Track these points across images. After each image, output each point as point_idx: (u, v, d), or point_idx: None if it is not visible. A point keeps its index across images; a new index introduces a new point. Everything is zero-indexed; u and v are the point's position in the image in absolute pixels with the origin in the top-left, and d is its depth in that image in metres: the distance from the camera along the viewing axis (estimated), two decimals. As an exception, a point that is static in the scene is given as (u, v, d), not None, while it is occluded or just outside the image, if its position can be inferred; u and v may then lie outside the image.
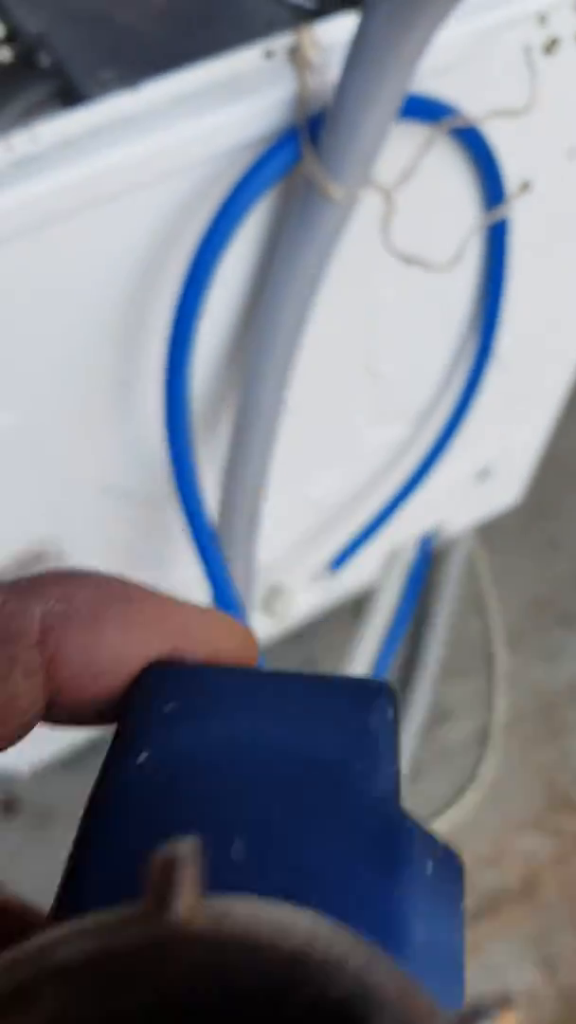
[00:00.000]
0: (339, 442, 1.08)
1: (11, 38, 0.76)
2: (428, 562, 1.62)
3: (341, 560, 1.18)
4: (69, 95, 0.72)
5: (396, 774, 0.25)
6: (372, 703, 0.26)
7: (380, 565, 1.53)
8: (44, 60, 0.74)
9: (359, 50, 0.54)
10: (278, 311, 0.71)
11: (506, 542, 1.76)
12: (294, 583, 1.23)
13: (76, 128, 0.61)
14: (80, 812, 0.25)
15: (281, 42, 0.65)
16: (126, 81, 0.68)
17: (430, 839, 0.24)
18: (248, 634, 0.29)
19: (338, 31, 0.66)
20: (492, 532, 1.74)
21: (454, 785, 1.54)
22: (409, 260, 0.67)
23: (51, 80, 0.76)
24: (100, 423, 0.82)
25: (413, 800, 1.50)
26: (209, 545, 0.78)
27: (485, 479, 1.42)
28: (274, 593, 1.20)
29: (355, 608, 1.66)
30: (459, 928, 0.23)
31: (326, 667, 1.62)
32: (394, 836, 0.23)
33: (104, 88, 0.68)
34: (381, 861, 0.22)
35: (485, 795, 1.52)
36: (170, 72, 0.68)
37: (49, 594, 0.25)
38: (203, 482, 0.80)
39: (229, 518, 0.84)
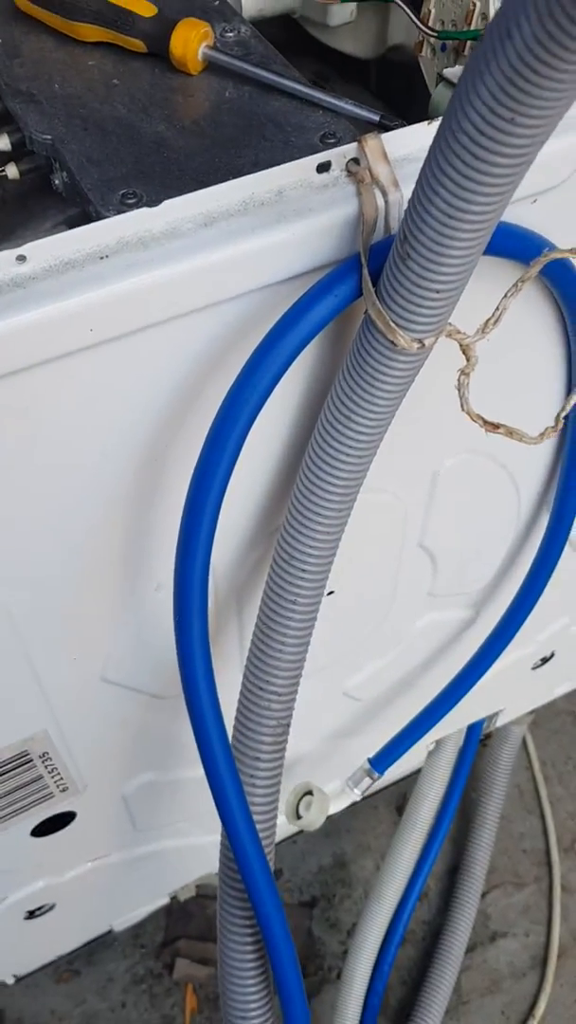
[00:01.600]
0: (384, 627, 0.93)
1: (20, 152, 0.64)
2: (476, 749, 1.44)
3: (384, 762, 1.00)
4: (87, 220, 0.60)
5: None
6: None
7: (424, 752, 1.35)
8: (59, 178, 0.62)
9: (437, 175, 0.41)
10: (325, 478, 0.56)
11: (560, 725, 1.58)
12: (326, 783, 1.06)
13: (82, 250, 0.48)
14: None
15: (339, 153, 0.52)
16: (149, 198, 0.56)
17: None
18: None
19: (410, 143, 0.53)
20: (545, 715, 1.56)
21: (507, 1022, 1.31)
22: (493, 427, 0.52)
23: (67, 202, 0.64)
24: (103, 607, 0.67)
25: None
26: (223, 768, 0.62)
27: (545, 664, 1.25)
28: (303, 796, 1.02)
29: (390, 797, 1.48)
30: None
31: (357, 868, 1.42)
32: None
33: (121, 206, 0.55)
34: None
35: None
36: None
37: None
38: (228, 675, 0.64)
39: (252, 722, 0.67)
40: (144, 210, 0.49)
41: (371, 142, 0.51)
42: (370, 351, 0.51)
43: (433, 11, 0.69)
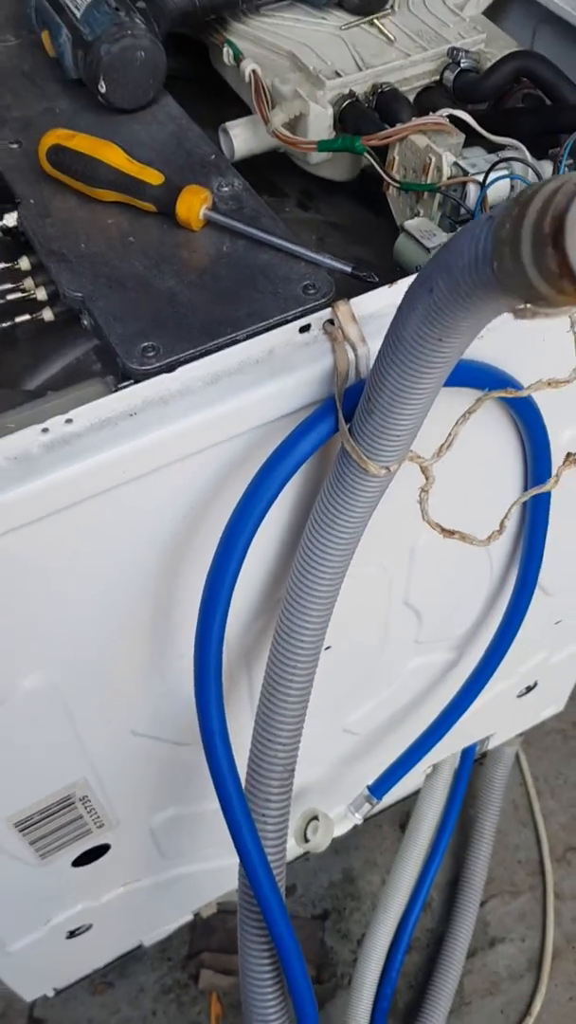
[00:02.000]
0: (377, 672, 1.05)
1: (54, 300, 0.77)
2: (470, 768, 1.56)
3: (382, 788, 1.12)
4: (109, 353, 0.72)
5: None
6: None
7: (422, 775, 1.47)
8: (87, 320, 0.74)
9: (393, 348, 0.53)
10: (314, 572, 0.69)
11: (551, 743, 1.69)
12: (331, 808, 1.18)
13: (116, 410, 0.60)
14: None
15: (317, 317, 0.65)
16: (165, 351, 0.68)
17: None
18: None
19: (374, 304, 0.65)
20: (536, 734, 1.68)
21: (506, 1020, 1.43)
22: (448, 534, 0.65)
23: (92, 340, 0.77)
24: (133, 676, 0.79)
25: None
26: (238, 811, 0.74)
27: (529, 692, 1.37)
28: (310, 821, 1.14)
29: (393, 816, 1.59)
30: None
31: (365, 882, 1.55)
32: None
33: (143, 358, 0.67)
34: None
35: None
36: (208, 342, 0.69)
37: None
38: (240, 723, 0.76)
39: (262, 765, 0.79)
40: (164, 376, 0.61)
41: (342, 308, 0.64)
42: (346, 474, 0.63)
43: (397, 159, 0.82)
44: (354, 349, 0.64)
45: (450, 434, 0.65)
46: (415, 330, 0.49)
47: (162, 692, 0.83)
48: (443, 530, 0.65)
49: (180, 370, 0.62)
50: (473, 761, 1.56)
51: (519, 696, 1.36)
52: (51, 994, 1.37)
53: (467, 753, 1.50)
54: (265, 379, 0.63)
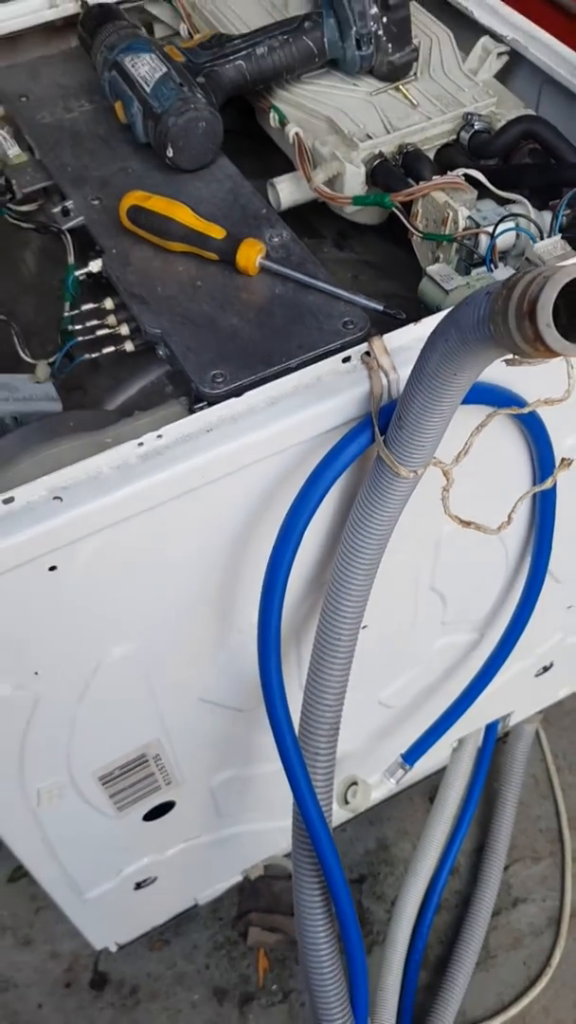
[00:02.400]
0: (408, 650, 1.19)
1: (135, 334, 0.92)
2: (494, 745, 1.69)
3: (413, 756, 1.27)
4: (181, 378, 0.88)
5: None
6: None
7: (449, 750, 1.61)
8: (162, 351, 0.89)
9: (418, 378, 0.68)
10: (355, 559, 0.83)
11: (570, 722, 1.83)
12: (370, 773, 1.32)
13: (196, 427, 0.75)
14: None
15: (357, 350, 0.80)
16: (231, 377, 0.83)
17: None
18: None
19: (403, 338, 0.80)
20: (556, 713, 1.81)
21: (528, 971, 1.57)
22: (465, 524, 0.79)
23: (164, 366, 0.92)
24: (202, 649, 0.94)
25: (486, 988, 1.54)
26: (294, 756, 0.89)
27: (546, 672, 1.51)
28: (350, 786, 1.29)
29: (423, 789, 1.74)
30: None
31: (397, 849, 1.69)
32: None
33: (213, 383, 0.82)
34: None
35: (558, 982, 1.55)
36: (266, 369, 0.84)
37: None
38: (289, 692, 0.91)
39: (312, 727, 0.94)
40: (233, 399, 0.76)
41: (377, 342, 0.79)
42: (381, 477, 0.78)
43: (420, 211, 0.97)
44: (387, 375, 0.78)
45: (466, 443, 0.79)
46: (434, 367, 0.64)
47: (225, 663, 0.98)
48: (461, 521, 0.79)
49: (246, 395, 0.77)
50: (496, 739, 1.70)
51: (536, 675, 1.50)
52: (114, 948, 1.52)
53: (490, 730, 1.64)
54: (314, 401, 0.78)
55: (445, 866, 1.62)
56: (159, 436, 0.75)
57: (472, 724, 1.53)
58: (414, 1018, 1.51)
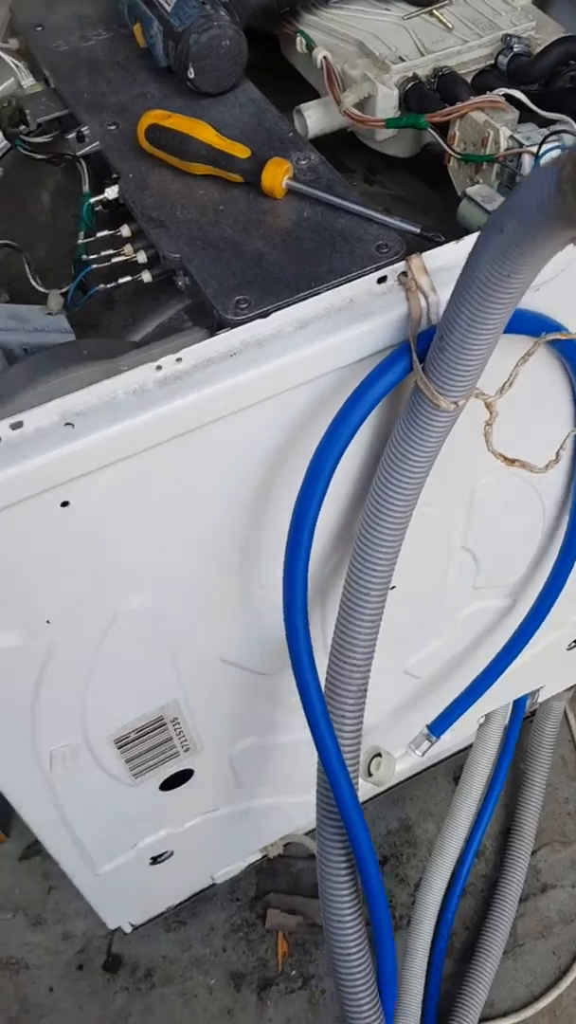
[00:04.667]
0: (437, 614, 1.13)
1: (152, 263, 0.86)
2: (521, 723, 1.63)
3: (440, 727, 1.21)
4: (202, 311, 0.82)
5: None
6: None
7: (476, 725, 1.55)
8: (181, 281, 0.83)
9: (467, 286, 0.62)
10: (387, 504, 0.77)
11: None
12: (394, 747, 1.26)
13: (218, 350, 0.69)
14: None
15: (392, 269, 0.73)
16: (256, 303, 0.77)
17: None
18: None
19: (443, 258, 0.74)
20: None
21: (558, 961, 1.51)
22: (510, 462, 0.73)
23: (184, 301, 0.86)
24: (223, 603, 0.88)
25: (515, 977, 1.48)
26: (321, 715, 0.83)
27: (579, 645, 1.45)
28: (374, 758, 1.23)
29: (447, 769, 1.67)
30: None
31: (421, 831, 1.63)
32: None
33: (237, 310, 0.76)
34: None
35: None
36: (293, 295, 0.77)
37: None
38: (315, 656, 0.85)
39: (338, 689, 0.88)
40: (259, 321, 0.70)
41: (415, 260, 0.72)
42: (419, 410, 0.72)
43: (457, 134, 0.90)
44: (426, 297, 0.72)
45: (511, 374, 0.73)
46: (487, 268, 0.58)
47: (246, 621, 0.92)
48: (505, 459, 0.73)
49: (273, 316, 0.71)
50: (523, 718, 1.63)
51: (569, 648, 1.43)
52: (128, 929, 1.47)
53: (518, 707, 1.58)
54: (347, 324, 0.71)
55: (471, 848, 1.56)
56: (178, 360, 0.69)
57: (501, 697, 1.47)
58: (438, 1006, 1.45)
